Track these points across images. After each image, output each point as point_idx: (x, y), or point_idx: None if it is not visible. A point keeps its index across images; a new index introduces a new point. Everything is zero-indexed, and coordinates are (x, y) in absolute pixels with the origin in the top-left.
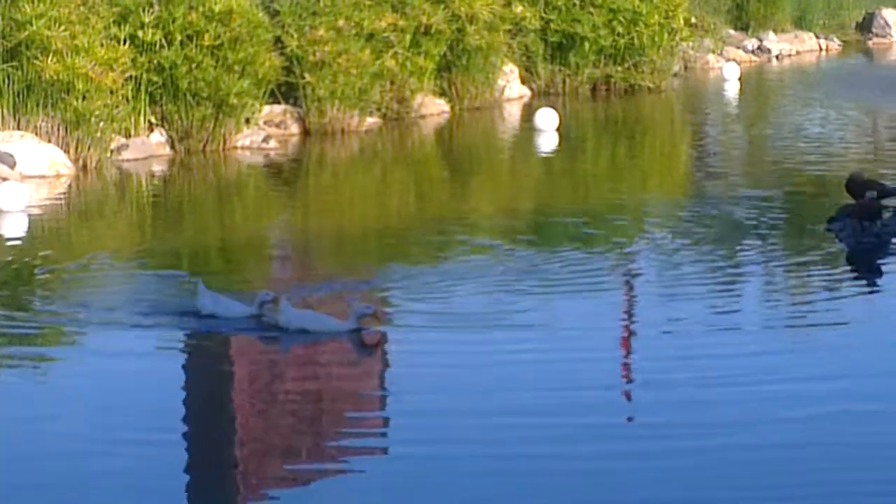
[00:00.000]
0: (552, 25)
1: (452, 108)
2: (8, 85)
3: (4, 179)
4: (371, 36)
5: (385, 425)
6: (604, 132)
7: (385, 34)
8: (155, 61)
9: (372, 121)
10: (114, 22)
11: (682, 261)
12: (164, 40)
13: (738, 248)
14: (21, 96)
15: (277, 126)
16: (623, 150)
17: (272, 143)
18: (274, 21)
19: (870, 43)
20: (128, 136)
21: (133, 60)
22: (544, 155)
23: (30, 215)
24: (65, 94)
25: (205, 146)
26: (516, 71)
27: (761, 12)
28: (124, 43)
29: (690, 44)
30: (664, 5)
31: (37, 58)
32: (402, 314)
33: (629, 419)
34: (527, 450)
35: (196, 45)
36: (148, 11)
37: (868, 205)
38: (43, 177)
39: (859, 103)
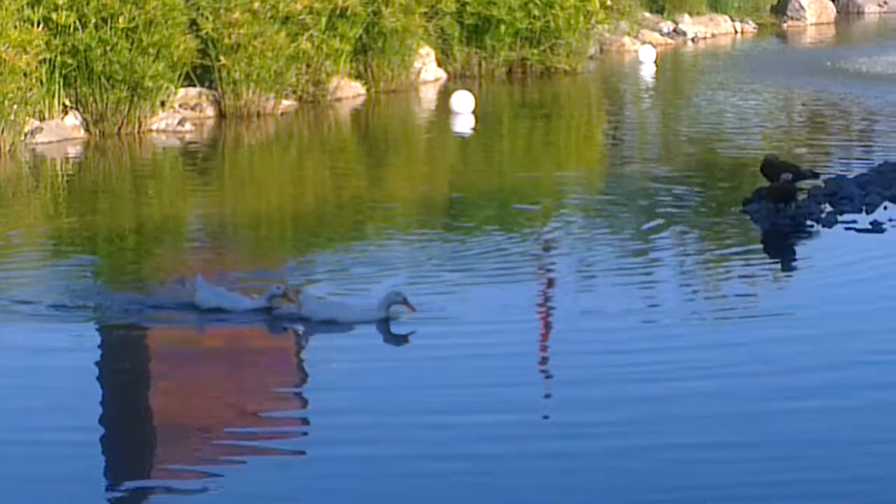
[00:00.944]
0: (468, 8)
1: (368, 90)
2: None
3: None
4: (287, 18)
5: (301, 423)
6: (520, 115)
7: (301, 16)
8: (69, 44)
9: (288, 104)
10: (27, 4)
11: (599, 245)
12: (78, 22)
13: (653, 231)
14: None
15: (193, 109)
16: (539, 132)
17: (187, 126)
18: (189, 3)
19: (784, 26)
20: (42, 119)
21: (47, 43)
22: (460, 137)
23: None
24: None
25: (120, 129)
26: (432, 53)
27: None
28: (38, 25)
29: (606, 27)
30: None
31: None
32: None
33: (545, 417)
34: (442, 450)
35: (110, 28)
36: None
37: (783, 187)
38: None
39: (775, 86)
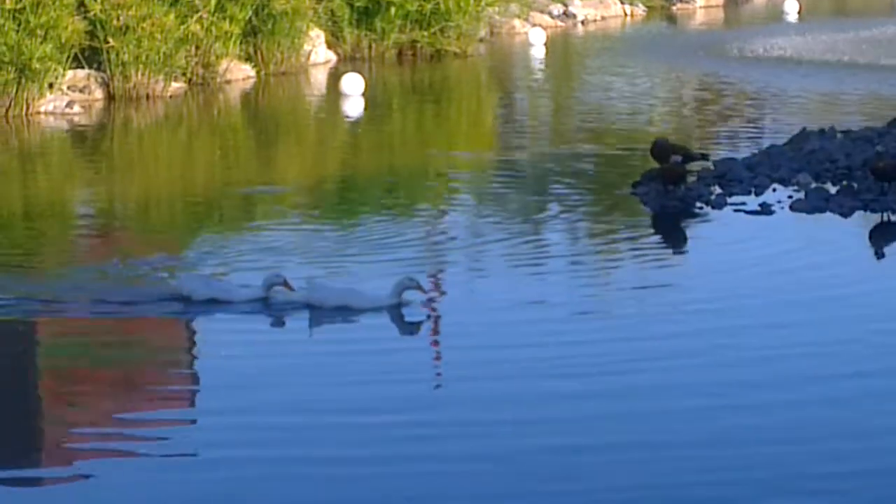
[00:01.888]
0: None
1: (258, 73)
2: None
3: None
4: (176, 0)
5: (190, 424)
6: (410, 97)
7: None
8: None
9: (177, 86)
10: None
11: (488, 229)
12: None
13: (543, 214)
14: None
15: (81, 91)
16: (429, 115)
17: (76, 109)
18: None
19: (674, 8)
20: None
21: None
22: (350, 120)
23: None
24: None
25: (7, 111)
26: (322, 36)
27: None
28: None
29: (496, 9)
30: None
31: None
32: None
33: (440, 416)
34: (333, 452)
35: None
36: None
37: (673, 169)
38: None
39: (664, 68)
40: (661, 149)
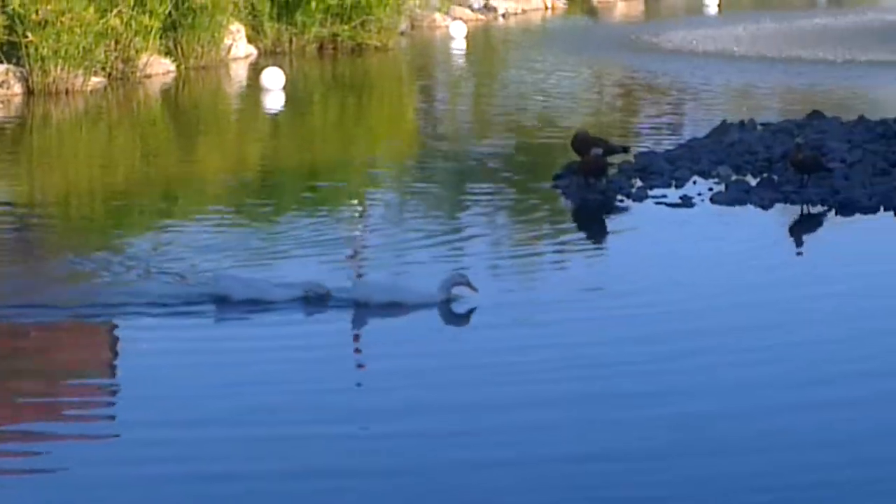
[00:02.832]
0: None
1: (179, 67)
2: None
3: None
4: None
5: (110, 438)
6: (331, 91)
7: None
8: None
9: (97, 80)
10: None
11: (408, 225)
12: None
13: (464, 208)
14: None
15: (0, 86)
16: (351, 109)
17: None
18: None
19: (594, 1)
20: None
21: None
22: (271, 114)
23: None
24: None
25: None
26: (243, 30)
27: None
28: None
29: (417, 2)
30: None
31: None
32: (124, 293)
33: (363, 427)
34: (251, 467)
35: None
36: None
37: (594, 162)
38: None
39: (585, 61)
40: (581, 141)
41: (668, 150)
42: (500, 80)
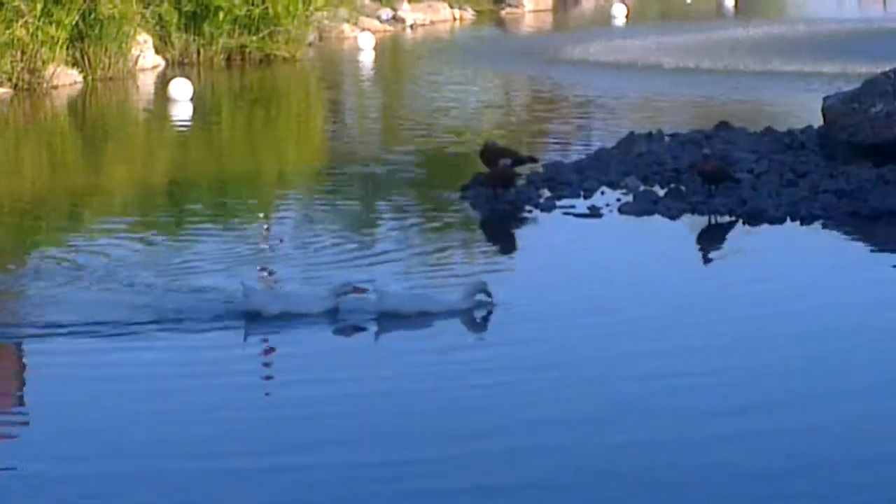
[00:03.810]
0: None
1: (86, 78)
2: None
3: None
4: (1, 4)
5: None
6: (239, 102)
7: (15, 3)
8: None
9: (2, 91)
10: None
11: (316, 238)
12: None
13: (372, 220)
14: None
15: None
16: (259, 120)
17: None
18: None
19: (503, 13)
20: None
21: None
22: (178, 126)
23: None
24: None
25: None
26: (150, 40)
27: None
28: None
29: (325, 13)
30: None
31: None
32: (29, 309)
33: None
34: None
35: None
36: None
37: (502, 173)
38: None
39: (493, 73)
40: (490, 152)
41: (576, 161)
42: (409, 92)
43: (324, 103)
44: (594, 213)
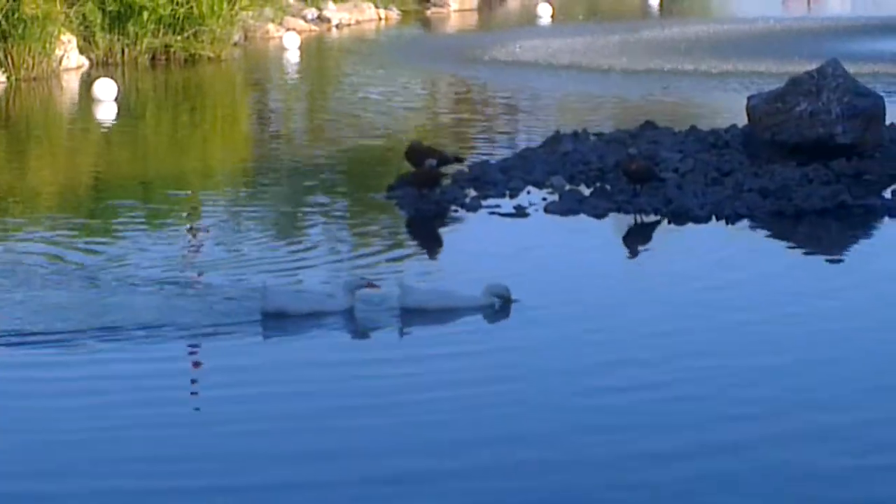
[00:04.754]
0: None
1: (9, 78)
2: None
3: None
4: None
5: None
6: (164, 102)
7: None
8: None
9: None
10: None
11: (241, 239)
12: None
13: (297, 220)
14: None
15: None
16: (184, 120)
17: None
18: None
19: (428, 13)
20: None
21: None
22: (103, 126)
23: None
24: None
25: None
26: (74, 40)
27: None
28: None
29: (250, 13)
30: None
31: None
32: None
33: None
34: None
35: None
36: None
37: (427, 173)
38: None
39: (419, 72)
40: (415, 152)
41: (501, 161)
42: (334, 92)
43: (249, 103)
44: (520, 212)
